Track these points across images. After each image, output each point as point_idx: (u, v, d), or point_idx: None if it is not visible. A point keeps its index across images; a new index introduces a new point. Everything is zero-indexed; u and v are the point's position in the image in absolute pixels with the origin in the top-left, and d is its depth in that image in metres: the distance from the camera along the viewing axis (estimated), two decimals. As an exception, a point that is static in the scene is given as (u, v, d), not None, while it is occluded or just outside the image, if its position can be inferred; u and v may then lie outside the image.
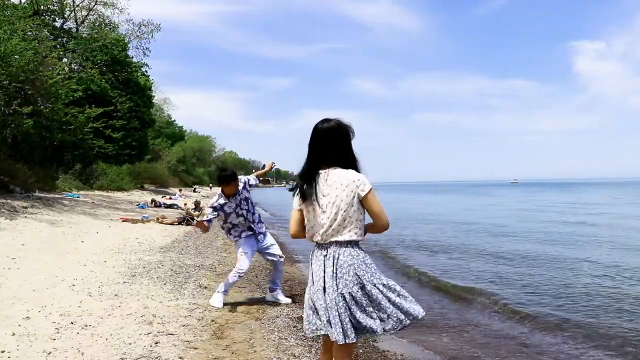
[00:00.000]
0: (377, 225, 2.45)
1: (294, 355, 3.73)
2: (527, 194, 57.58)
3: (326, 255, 2.42)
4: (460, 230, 16.00)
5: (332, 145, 2.45)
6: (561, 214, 23.00)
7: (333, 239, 2.41)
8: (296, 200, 2.52)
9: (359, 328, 2.38)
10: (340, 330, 2.33)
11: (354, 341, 2.36)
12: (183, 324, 4.34)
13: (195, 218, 14.40)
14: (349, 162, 2.47)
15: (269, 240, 5.30)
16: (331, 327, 2.36)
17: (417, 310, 2.42)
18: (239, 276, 5.10)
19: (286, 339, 4.11)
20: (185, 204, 21.21)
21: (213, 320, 4.51)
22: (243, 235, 5.14)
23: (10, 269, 6.19)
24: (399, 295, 2.43)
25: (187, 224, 13.75)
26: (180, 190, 37.40)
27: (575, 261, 9.54)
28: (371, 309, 2.37)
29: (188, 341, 3.89)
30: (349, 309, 2.36)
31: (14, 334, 3.78)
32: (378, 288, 2.40)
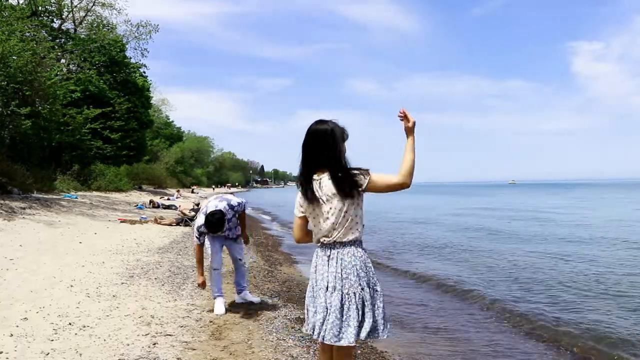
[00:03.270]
0: None
1: (292, 357, 3.74)
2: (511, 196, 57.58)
3: (330, 256, 2.45)
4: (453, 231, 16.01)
5: (323, 148, 2.42)
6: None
7: (337, 240, 2.43)
8: (297, 207, 2.53)
9: (345, 331, 2.36)
10: (338, 330, 2.35)
11: (347, 344, 2.35)
12: (181, 324, 4.35)
13: (192, 219, 14.42)
14: (339, 167, 2.42)
15: (237, 245, 5.26)
16: (323, 326, 2.39)
17: (383, 329, 2.43)
18: (215, 270, 5.05)
19: (284, 339, 4.11)
20: (180, 205, 21.23)
21: (211, 321, 4.52)
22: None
23: (8, 270, 6.19)
24: (382, 307, 2.46)
25: (185, 225, 13.75)
26: (178, 191, 37.38)
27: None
28: (364, 312, 2.39)
29: (186, 342, 3.90)
30: (349, 309, 2.37)
31: (12, 335, 3.79)
32: (370, 293, 2.42)
